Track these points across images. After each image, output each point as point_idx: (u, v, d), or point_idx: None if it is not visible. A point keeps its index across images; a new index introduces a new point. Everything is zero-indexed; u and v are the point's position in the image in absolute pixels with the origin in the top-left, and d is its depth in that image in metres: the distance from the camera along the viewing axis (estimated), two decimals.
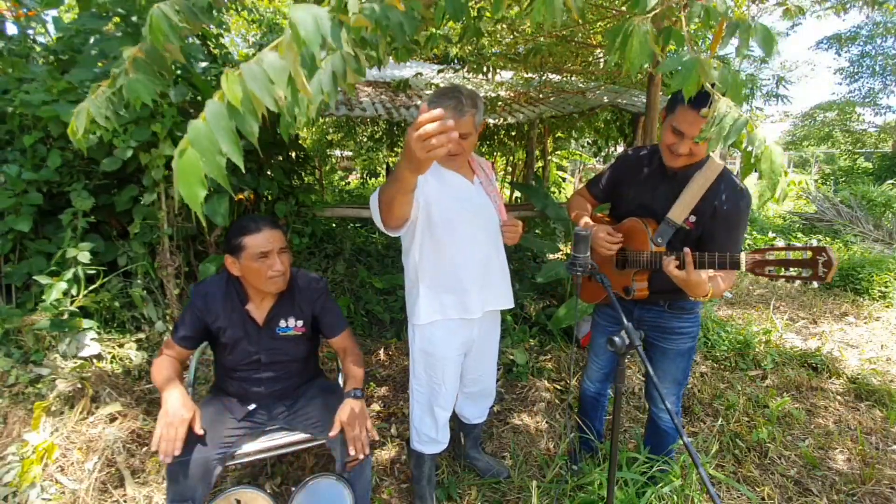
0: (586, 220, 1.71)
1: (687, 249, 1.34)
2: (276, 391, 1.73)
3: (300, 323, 1.68)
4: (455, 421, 2.07)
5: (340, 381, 1.97)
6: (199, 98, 2.85)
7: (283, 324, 1.66)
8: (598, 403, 2.00)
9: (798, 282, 1.13)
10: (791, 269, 1.13)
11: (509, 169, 7.05)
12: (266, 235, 1.51)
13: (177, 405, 1.41)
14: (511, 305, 1.82)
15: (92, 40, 2.74)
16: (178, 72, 2.75)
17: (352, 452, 1.45)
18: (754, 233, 7.05)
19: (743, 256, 1.24)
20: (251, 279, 1.55)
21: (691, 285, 1.34)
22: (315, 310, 1.70)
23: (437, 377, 1.73)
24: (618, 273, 1.64)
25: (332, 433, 1.50)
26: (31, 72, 2.79)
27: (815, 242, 6.43)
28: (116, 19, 2.77)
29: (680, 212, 1.46)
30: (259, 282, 1.54)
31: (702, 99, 1.19)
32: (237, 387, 1.69)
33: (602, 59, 3.27)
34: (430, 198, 1.57)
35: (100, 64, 2.74)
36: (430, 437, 1.81)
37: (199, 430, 1.42)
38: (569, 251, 3.91)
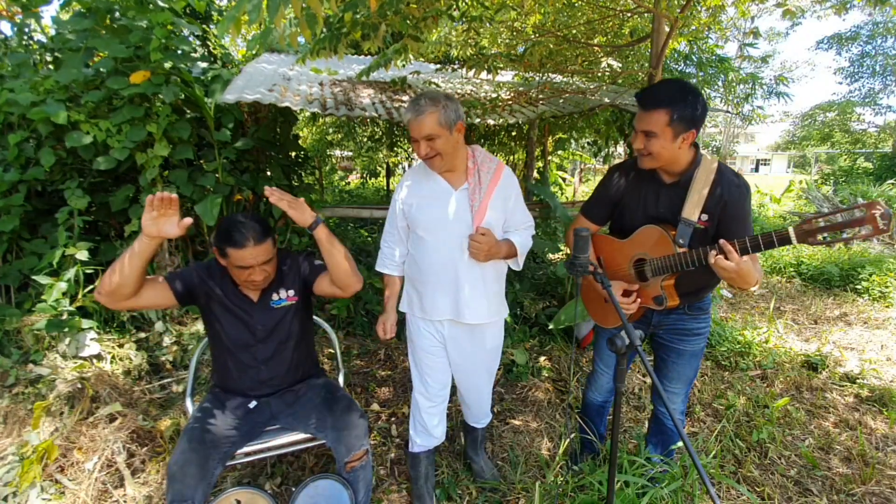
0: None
1: (723, 240, 1.32)
2: (275, 378, 1.72)
3: (291, 292, 1.72)
4: (456, 420, 2.07)
5: (341, 380, 1.98)
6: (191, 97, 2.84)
7: (275, 297, 1.70)
8: (604, 410, 2.01)
9: (857, 242, 1.14)
10: (846, 231, 1.09)
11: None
12: (250, 252, 1.49)
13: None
14: (482, 321, 1.71)
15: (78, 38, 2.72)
16: (171, 70, 2.74)
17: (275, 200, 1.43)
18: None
19: (791, 230, 1.21)
20: (233, 276, 1.61)
21: (743, 275, 1.31)
22: (303, 274, 1.74)
23: (423, 367, 1.81)
24: (644, 285, 1.61)
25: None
26: (7, 67, 2.75)
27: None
28: (107, 21, 2.76)
29: (691, 211, 1.47)
30: (238, 281, 1.62)
31: (642, 98, 1.44)
32: (237, 374, 1.69)
33: (604, 60, 3.27)
34: (409, 197, 1.67)
35: (89, 63, 2.72)
36: (424, 427, 1.85)
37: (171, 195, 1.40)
38: (569, 251, 3.91)
